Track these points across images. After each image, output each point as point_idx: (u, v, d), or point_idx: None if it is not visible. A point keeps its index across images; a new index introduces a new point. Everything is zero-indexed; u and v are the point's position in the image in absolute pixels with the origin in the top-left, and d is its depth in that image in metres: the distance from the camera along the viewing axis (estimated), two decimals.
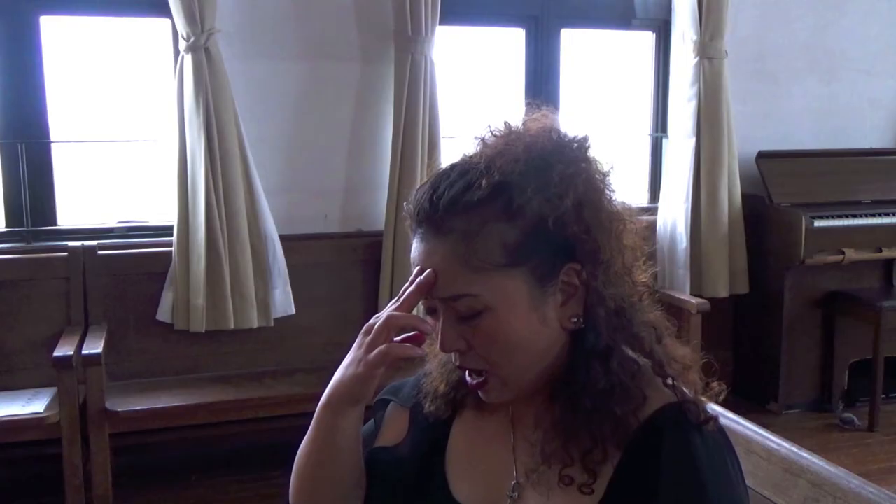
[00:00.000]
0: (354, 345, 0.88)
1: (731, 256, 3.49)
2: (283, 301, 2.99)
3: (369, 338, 0.85)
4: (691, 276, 3.45)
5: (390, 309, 0.86)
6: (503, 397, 0.85)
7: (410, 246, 0.84)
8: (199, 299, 2.84)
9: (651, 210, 3.57)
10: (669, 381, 0.83)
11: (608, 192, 0.84)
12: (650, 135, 3.69)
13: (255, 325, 2.92)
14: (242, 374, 2.93)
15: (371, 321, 0.87)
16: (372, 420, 1.00)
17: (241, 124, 2.89)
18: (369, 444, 0.96)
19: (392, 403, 0.99)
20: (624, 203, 0.85)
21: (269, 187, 2.98)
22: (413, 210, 0.83)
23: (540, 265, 0.80)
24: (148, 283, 2.91)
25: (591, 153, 0.84)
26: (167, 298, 2.90)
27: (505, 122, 0.85)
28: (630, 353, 0.84)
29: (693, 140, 3.42)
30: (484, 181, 0.79)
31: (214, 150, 2.81)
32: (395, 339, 0.85)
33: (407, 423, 0.96)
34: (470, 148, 0.85)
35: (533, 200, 0.78)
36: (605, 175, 0.84)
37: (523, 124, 0.84)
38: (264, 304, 2.95)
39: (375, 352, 0.84)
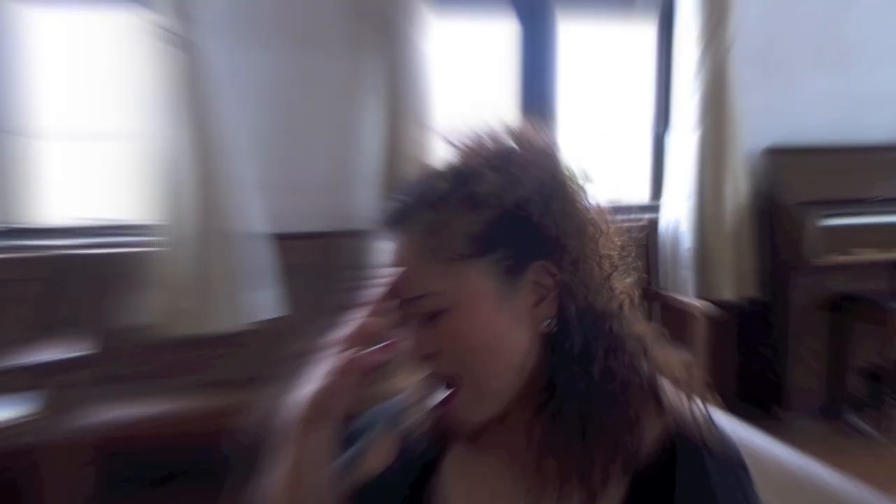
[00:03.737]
0: (322, 358, 0.85)
1: (738, 257, 3.39)
2: (271, 302, 2.93)
3: (339, 349, 0.83)
4: (695, 277, 3.35)
5: (360, 317, 0.84)
6: (474, 415, 0.81)
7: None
8: (185, 301, 2.78)
9: (653, 208, 3.48)
10: (657, 398, 0.81)
11: (575, 188, 0.82)
12: (653, 130, 3.59)
13: (242, 327, 2.85)
14: (230, 378, 2.85)
15: (341, 332, 0.85)
16: (354, 448, 0.94)
17: (224, 118, 2.81)
18: (354, 475, 0.91)
19: (373, 429, 0.95)
20: (599, 206, 0.83)
21: (254, 184, 2.90)
22: (381, 221, 0.84)
23: (506, 257, 0.79)
24: (130, 284, 2.83)
25: (553, 148, 0.84)
26: (151, 301, 2.83)
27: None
28: (615, 366, 0.80)
29: (697, 135, 3.32)
30: (447, 173, 0.82)
31: (197, 145, 2.75)
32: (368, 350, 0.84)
33: (392, 448, 0.92)
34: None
35: (494, 186, 0.79)
36: (571, 172, 0.83)
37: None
38: (251, 305, 2.88)
39: (343, 361, 0.82)
